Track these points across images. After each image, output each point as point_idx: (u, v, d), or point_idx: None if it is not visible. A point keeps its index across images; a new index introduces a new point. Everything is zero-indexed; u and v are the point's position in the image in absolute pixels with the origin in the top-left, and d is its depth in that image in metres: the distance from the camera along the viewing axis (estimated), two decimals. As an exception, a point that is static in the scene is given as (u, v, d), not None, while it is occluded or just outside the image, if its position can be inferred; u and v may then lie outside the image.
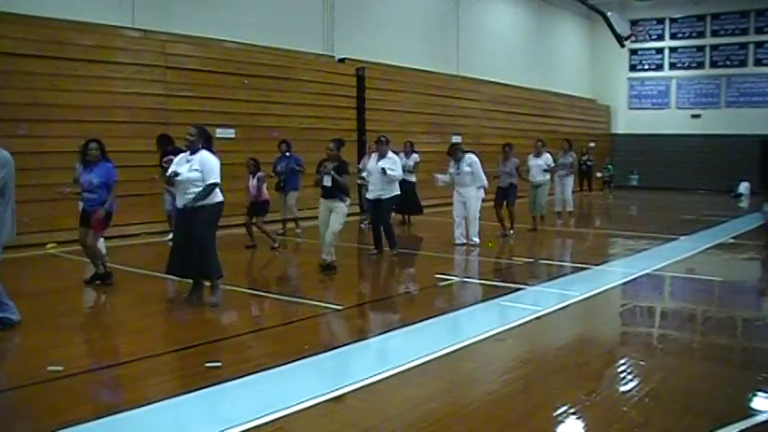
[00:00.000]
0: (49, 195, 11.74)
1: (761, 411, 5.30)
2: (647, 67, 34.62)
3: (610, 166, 30.52)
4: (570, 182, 17.95)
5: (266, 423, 4.88)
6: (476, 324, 7.85)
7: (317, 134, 17.53)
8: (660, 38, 34.15)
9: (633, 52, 34.35)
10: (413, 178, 16.28)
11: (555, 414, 5.17)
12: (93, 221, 9.21)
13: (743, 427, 4.88)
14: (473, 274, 11.14)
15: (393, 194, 12.10)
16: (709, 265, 12.46)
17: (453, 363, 6.53)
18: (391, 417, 5.25)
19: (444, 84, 24.61)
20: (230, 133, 16.10)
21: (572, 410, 5.22)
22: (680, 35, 33.65)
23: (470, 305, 8.92)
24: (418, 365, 6.25)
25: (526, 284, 10.21)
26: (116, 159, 11.31)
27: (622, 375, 6.20)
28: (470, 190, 13.25)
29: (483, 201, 13.55)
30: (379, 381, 5.82)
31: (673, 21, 33.68)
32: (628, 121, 34.75)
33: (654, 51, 34.33)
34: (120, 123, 14.30)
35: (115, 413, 5.03)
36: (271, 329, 7.51)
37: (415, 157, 16.56)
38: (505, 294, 9.37)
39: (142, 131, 14.29)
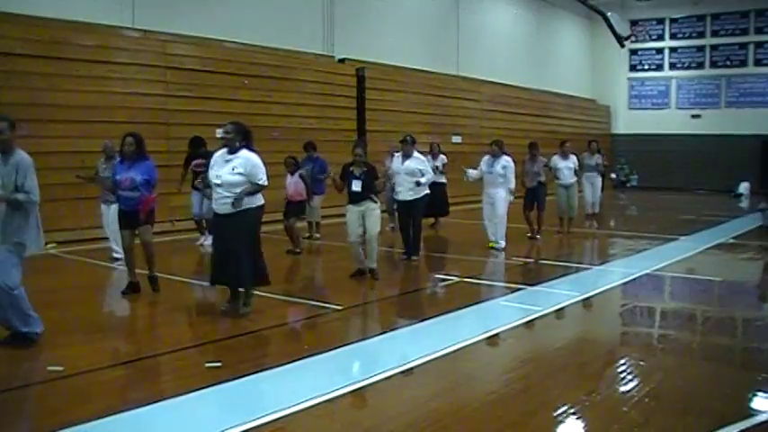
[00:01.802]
0: (50, 195, 11.70)
1: (761, 411, 5.29)
2: (647, 67, 34.61)
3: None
4: (599, 183, 17.91)
5: (266, 423, 4.88)
6: (476, 324, 7.85)
7: (318, 134, 17.49)
8: (660, 38, 34.15)
9: (633, 52, 34.37)
10: (442, 179, 15.99)
11: (555, 414, 5.17)
12: (143, 204, 8.77)
13: (743, 428, 4.88)
14: (474, 274, 11.12)
15: (423, 194, 11.70)
16: (709, 265, 12.46)
17: (454, 363, 6.54)
18: (392, 417, 5.25)
19: (444, 84, 24.62)
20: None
21: (572, 410, 5.22)
22: (680, 35, 33.65)
23: (471, 305, 8.88)
24: (419, 365, 6.26)
25: (526, 284, 10.21)
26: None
27: (622, 375, 6.20)
28: (499, 191, 12.97)
29: (511, 202, 13.29)
30: (379, 381, 5.83)
31: (673, 21, 33.68)
32: (628, 122, 34.74)
33: (654, 51, 34.33)
34: (119, 124, 14.23)
35: (115, 413, 5.02)
36: (271, 329, 7.50)
37: (443, 158, 16.32)
38: (506, 294, 9.39)
39: (142, 132, 14.02)
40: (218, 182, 7.81)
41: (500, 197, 12.98)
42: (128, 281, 9.18)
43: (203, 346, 6.93)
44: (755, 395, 5.60)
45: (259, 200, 7.97)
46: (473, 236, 14.15)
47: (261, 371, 6.01)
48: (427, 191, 11.78)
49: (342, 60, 20.87)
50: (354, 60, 20.98)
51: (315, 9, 20.12)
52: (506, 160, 13.00)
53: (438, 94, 23.87)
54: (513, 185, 13.09)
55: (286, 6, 19.12)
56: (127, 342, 7.34)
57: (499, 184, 12.99)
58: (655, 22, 34.06)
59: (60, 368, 5.95)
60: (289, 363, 6.24)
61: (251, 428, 4.79)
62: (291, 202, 12.50)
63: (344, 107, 20.31)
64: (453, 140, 23.21)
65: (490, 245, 12.96)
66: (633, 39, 31.66)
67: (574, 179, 15.66)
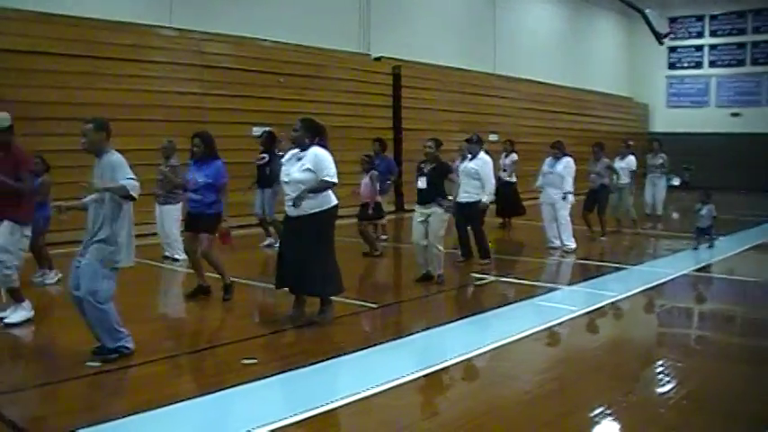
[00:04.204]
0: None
1: (802, 415, 5.19)
2: (686, 64, 34.23)
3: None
4: (663, 185, 17.71)
5: (301, 420, 4.87)
6: (511, 323, 7.78)
7: (353, 133, 17.53)
8: (700, 35, 33.74)
9: (672, 50, 33.98)
10: (513, 179, 15.88)
11: (591, 415, 5.10)
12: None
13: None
14: (510, 273, 11.04)
15: (479, 199, 11.02)
16: (748, 266, 12.25)
17: (489, 362, 6.50)
18: (426, 415, 5.25)
19: (480, 82, 24.53)
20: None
21: (608, 411, 5.15)
22: (720, 32, 33.23)
23: (506, 304, 8.84)
24: (454, 364, 6.23)
25: (563, 284, 10.14)
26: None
27: (659, 377, 6.11)
28: (560, 192, 12.63)
29: (571, 203, 12.87)
30: (414, 379, 5.80)
31: (713, 17, 33.27)
32: (666, 120, 34.30)
33: (693, 49, 33.93)
34: (156, 122, 14.42)
35: (149, 409, 5.04)
36: (306, 327, 7.48)
37: (514, 156, 16.19)
38: (542, 294, 9.30)
39: (178, 130, 14.35)
40: (287, 180, 7.39)
41: (560, 198, 12.67)
42: (197, 284, 8.87)
43: (240, 343, 6.94)
44: (796, 398, 5.50)
45: (330, 201, 7.47)
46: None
47: (295, 368, 5.99)
48: (485, 197, 11.11)
49: (377, 59, 20.89)
50: (390, 58, 20.99)
51: (351, 7, 20.18)
52: (567, 162, 12.72)
53: (474, 93, 23.80)
54: (569, 187, 12.64)
55: (322, 5, 19.17)
56: (164, 338, 7.37)
57: (559, 185, 12.66)
58: (694, 19, 33.67)
59: (98, 364, 5.99)
60: (324, 360, 6.24)
61: (286, 425, 4.78)
62: (364, 203, 12.09)
63: (380, 105, 20.33)
64: (490, 138, 23.06)
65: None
66: (672, 36, 31.27)
67: (626, 180, 15.34)
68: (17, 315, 7.44)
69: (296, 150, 7.53)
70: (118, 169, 6.09)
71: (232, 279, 8.72)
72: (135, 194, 6.08)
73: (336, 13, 19.70)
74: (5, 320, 7.38)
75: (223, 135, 13.60)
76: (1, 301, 7.65)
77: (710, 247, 12.78)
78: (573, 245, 12.71)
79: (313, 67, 18.31)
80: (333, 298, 7.76)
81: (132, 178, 6.08)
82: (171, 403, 5.18)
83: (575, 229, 12.95)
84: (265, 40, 17.72)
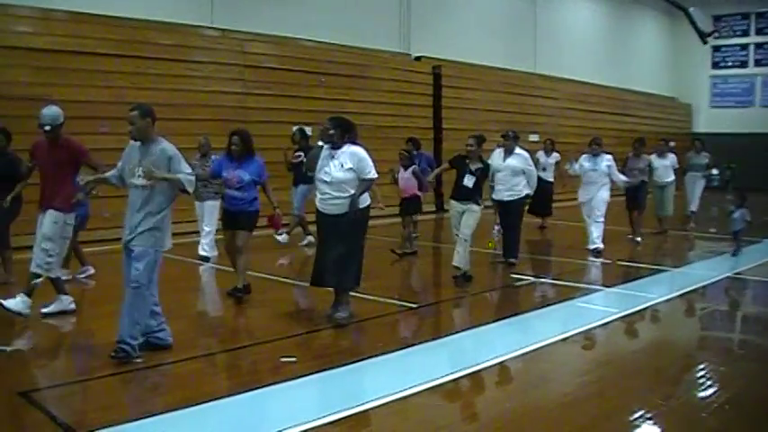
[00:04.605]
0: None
1: None
2: (730, 64, 33.67)
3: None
4: (702, 184, 17.64)
5: (339, 420, 4.90)
6: (551, 325, 7.76)
7: (394, 132, 17.54)
8: (745, 33, 33.12)
9: (716, 49, 33.39)
10: (550, 177, 15.81)
11: (630, 418, 5.07)
12: (274, 223, 8.88)
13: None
14: (550, 274, 10.99)
15: (523, 195, 11.11)
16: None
17: (528, 364, 6.49)
18: (464, 417, 5.26)
19: (521, 82, 24.41)
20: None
21: (648, 415, 5.11)
22: (766, 30, 32.63)
23: (546, 306, 8.81)
24: (492, 366, 6.22)
25: (602, 286, 10.07)
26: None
27: (701, 381, 6.06)
28: (602, 190, 12.48)
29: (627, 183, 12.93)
30: (452, 380, 5.81)
31: (759, 15, 32.64)
32: (709, 121, 33.73)
33: (738, 48, 33.34)
34: (198, 121, 14.50)
35: (187, 406, 5.10)
36: (346, 326, 7.52)
37: (556, 156, 16.13)
38: (582, 296, 9.24)
39: (221, 129, 14.43)
40: (328, 179, 7.40)
41: (600, 196, 12.47)
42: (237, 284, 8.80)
43: (279, 341, 6.99)
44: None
45: (365, 200, 7.58)
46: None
47: (334, 367, 6.03)
48: (527, 192, 11.18)
49: (418, 58, 20.90)
50: (431, 58, 20.98)
51: (391, 7, 20.21)
52: (609, 159, 12.58)
53: (515, 92, 23.68)
54: (623, 177, 12.75)
55: (363, 5, 19.25)
56: (203, 335, 7.47)
57: (601, 183, 12.51)
58: (739, 17, 33.09)
59: (139, 360, 6.07)
60: (362, 360, 6.29)
61: (323, 425, 4.81)
62: (406, 198, 12.11)
63: (421, 105, 20.33)
64: (531, 139, 22.93)
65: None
66: (716, 35, 30.83)
67: (671, 178, 15.33)
68: (54, 306, 7.66)
69: (328, 147, 7.54)
70: (175, 161, 6.27)
71: (272, 277, 8.81)
72: (190, 189, 6.31)
73: (377, 14, 19.75)
74: (43, 311, 7.56)
75: (265, 135, 13.76)
76: (36, 292, 7.71)
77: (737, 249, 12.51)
78: (601, 245, 12.42)
79: (354, 67, 18.37)
80: (373, 298, 7.80)
81: (190, 173, 6.32)
82: (209, 401, 5.23)
83: (614, 231, 12.84)
84: (307, 40, 17.83)
